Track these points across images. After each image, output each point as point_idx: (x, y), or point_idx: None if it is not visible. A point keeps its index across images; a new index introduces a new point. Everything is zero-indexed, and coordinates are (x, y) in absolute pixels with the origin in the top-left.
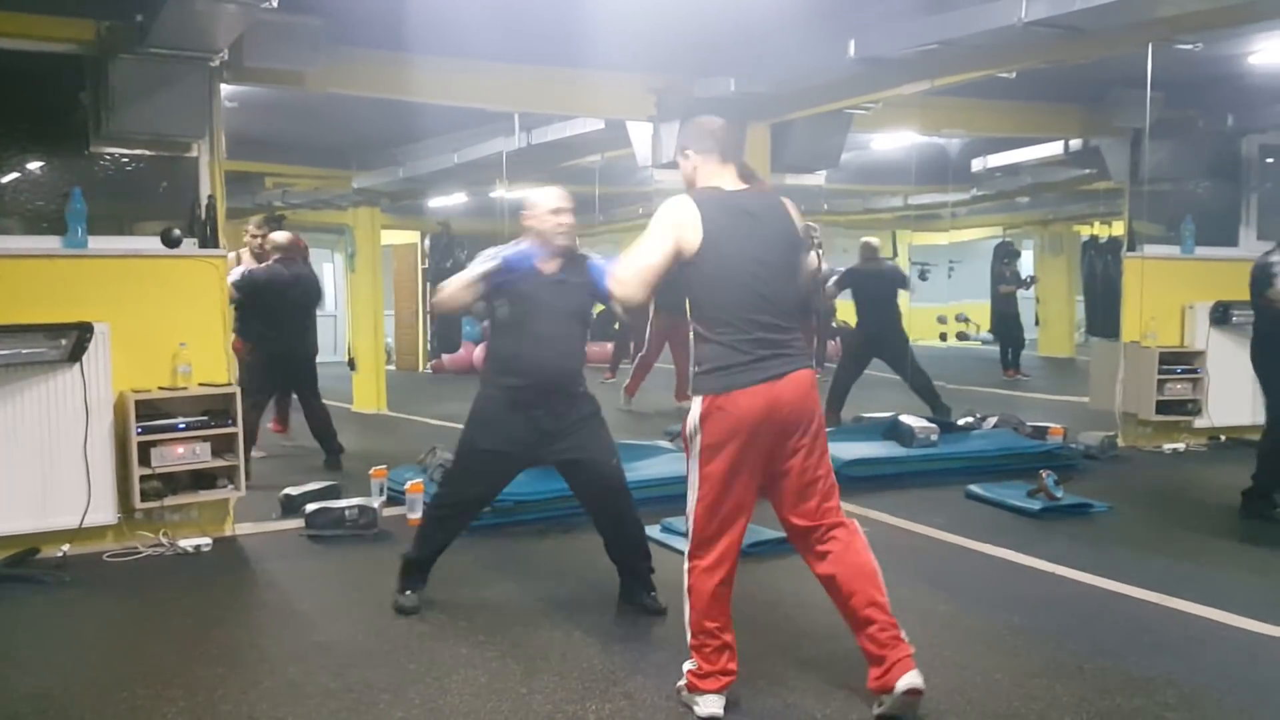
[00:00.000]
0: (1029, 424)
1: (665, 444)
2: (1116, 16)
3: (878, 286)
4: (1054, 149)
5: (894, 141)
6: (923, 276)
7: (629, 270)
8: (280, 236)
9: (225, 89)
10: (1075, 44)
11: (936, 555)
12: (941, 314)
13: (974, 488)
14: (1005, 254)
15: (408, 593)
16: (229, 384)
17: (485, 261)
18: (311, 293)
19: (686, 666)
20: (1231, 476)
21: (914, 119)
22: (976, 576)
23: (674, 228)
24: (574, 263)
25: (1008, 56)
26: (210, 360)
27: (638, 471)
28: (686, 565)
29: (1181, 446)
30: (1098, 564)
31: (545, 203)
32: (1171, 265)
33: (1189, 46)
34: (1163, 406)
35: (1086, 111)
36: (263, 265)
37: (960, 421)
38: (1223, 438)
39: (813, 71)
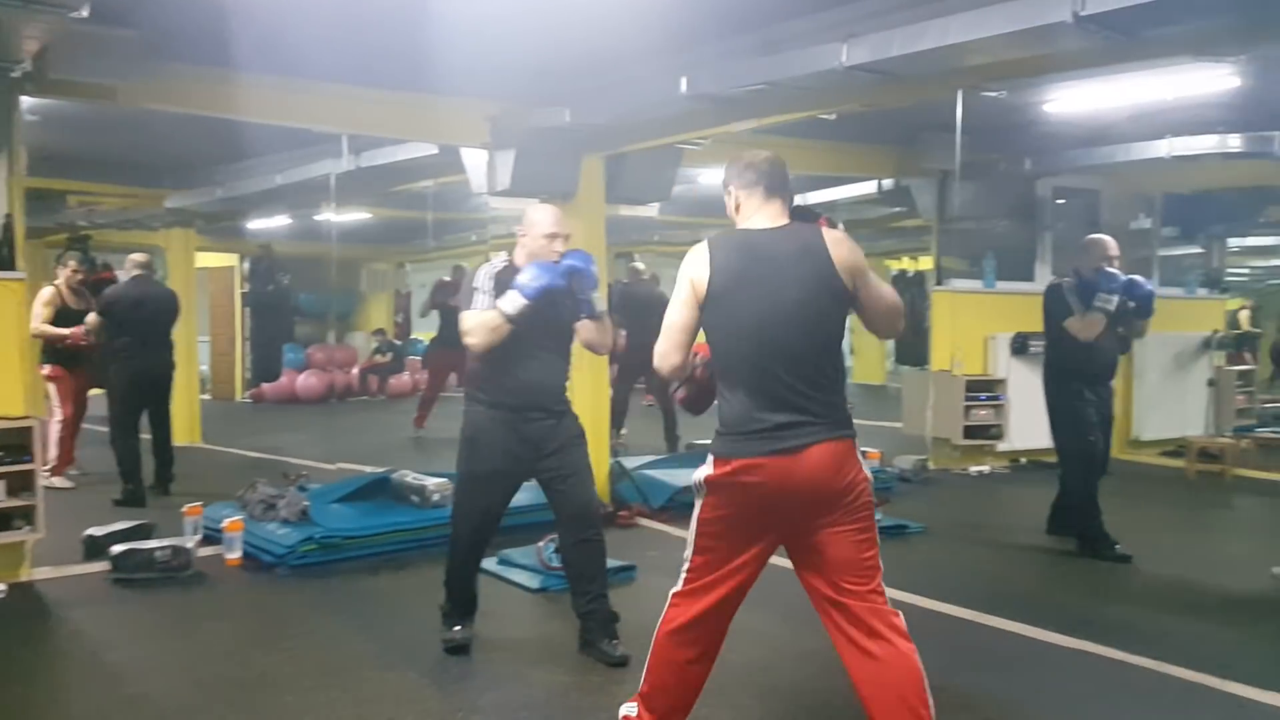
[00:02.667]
0: None
1: None
2: (930, 64)
3: (645, 306)
4: (868, 188)
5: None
6: None
7: (662, 340)
8: (139, 256)
9: (26, 101)
10: (892, 89)
11: (766, 580)
12: None
13: None
14: None
15: (456, 629)
16: (26, 417)
17: (508, 300)
18: (167, 308)
19: (623, 711)
20: (1034, 496)
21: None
22: (805, 600)
23: (687, 280)
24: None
25: (830, 99)
26: (6, 391)
27: None
28: (665, 609)
29: (986, 468)
30: (916, 584)
31: (542, 225)
32: (975, 298)
33: (994, 94)
34: (969, 431)
35: (899, 153)
36: (117, 284)
37: None
38: (1023, 460)
39: (647, 106)
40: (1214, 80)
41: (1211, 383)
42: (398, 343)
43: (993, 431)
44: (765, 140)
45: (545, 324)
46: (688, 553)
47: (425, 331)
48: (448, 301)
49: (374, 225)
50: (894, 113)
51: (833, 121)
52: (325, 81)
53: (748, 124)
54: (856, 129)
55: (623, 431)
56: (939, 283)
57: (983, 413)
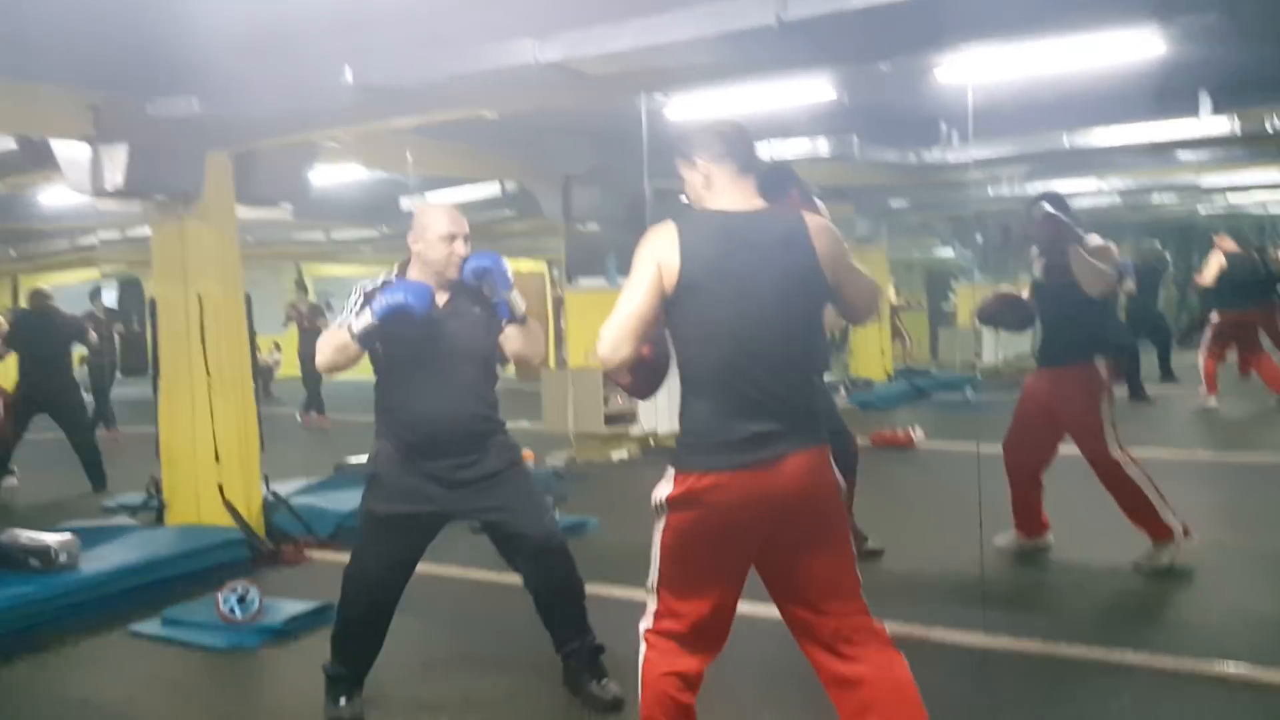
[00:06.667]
0: None
1: (128, 520)
2: (621, 64)
3: (46, 337)
4: (492, 190)
5: (341, 175)
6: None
7: (610, 324)
8: None
9: None
10: (579, 89)
11: (465, 596)
12: None
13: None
14: None
15: (342, 701)
16: None
17: (360, 316)
18: None
19: None
20: None
21: (369, 154)
22: (504, 608)
23: (653, 263)
24: (466, 292)
25: (512, 97)
26: None
27: (101, 561)
28: (643, 648)
29: (625, 454)
30: (618, 576)
31: (436, 227)
32: (601, 296)
33: (663, 97)
34: (608, 420)
35: (522, 156)
36: None
37: None
38: (652, 442)
39: (300, 96)
40: (813, 91)
41: None
42: None
43: (627, 418)
44: (394, 138)
45: (441, 344)
46: (652, 582)
47: None
48: None
49: None
50: (519, 116)
51: (458, 122)
52: None
53: (412, 120)
54: (481, 131)
55: (12, 478)
56: (569, 282)
57: (617, 402)
